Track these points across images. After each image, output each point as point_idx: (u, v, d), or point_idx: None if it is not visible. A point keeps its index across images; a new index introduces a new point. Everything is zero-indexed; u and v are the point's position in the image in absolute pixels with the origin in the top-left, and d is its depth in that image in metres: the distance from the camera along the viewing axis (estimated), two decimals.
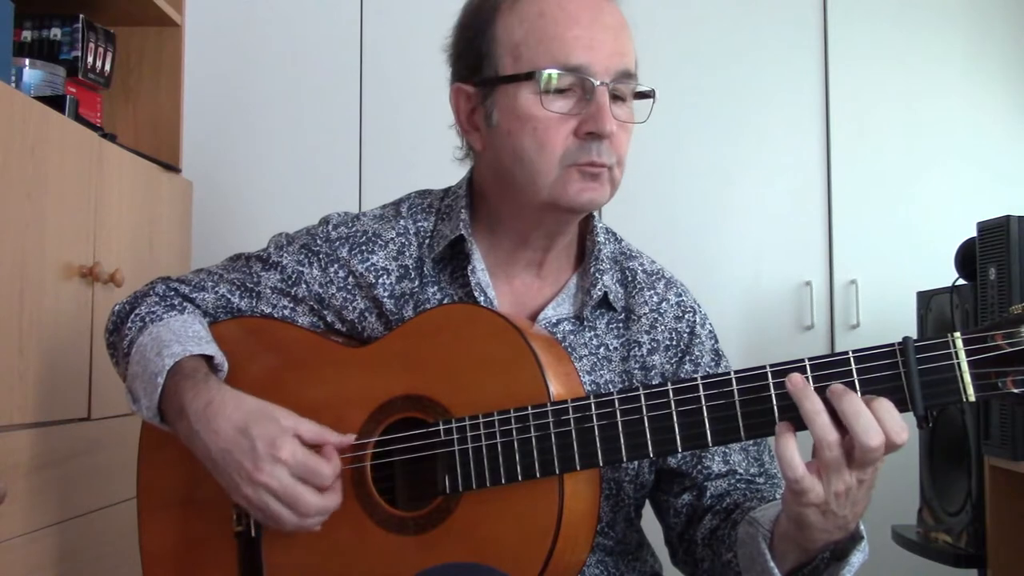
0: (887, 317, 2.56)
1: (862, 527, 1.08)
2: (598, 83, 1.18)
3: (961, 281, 2.07)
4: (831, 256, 2.70)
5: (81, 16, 2.16)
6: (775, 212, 2.71)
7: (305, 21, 2.79)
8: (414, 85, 2.69)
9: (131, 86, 2.55)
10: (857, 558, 1.08)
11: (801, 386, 1.00)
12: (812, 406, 1.00)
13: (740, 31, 2.75)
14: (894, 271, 2.63)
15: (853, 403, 0.98)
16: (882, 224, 2.68)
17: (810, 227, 2.71)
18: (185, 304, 1.33)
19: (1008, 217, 1.92)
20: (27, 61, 2.00)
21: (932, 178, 2.69)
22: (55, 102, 1.94)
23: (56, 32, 2.15)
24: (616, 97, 1.20)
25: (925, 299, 2.26)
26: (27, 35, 2.14)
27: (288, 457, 1.14)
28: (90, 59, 2.19)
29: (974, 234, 2.02)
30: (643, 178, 2.69)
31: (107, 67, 2.26)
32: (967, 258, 2.04)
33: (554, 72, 1.17)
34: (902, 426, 0.98)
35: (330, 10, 2.78)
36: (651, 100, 1.24)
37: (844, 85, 2.72)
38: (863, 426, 0.97)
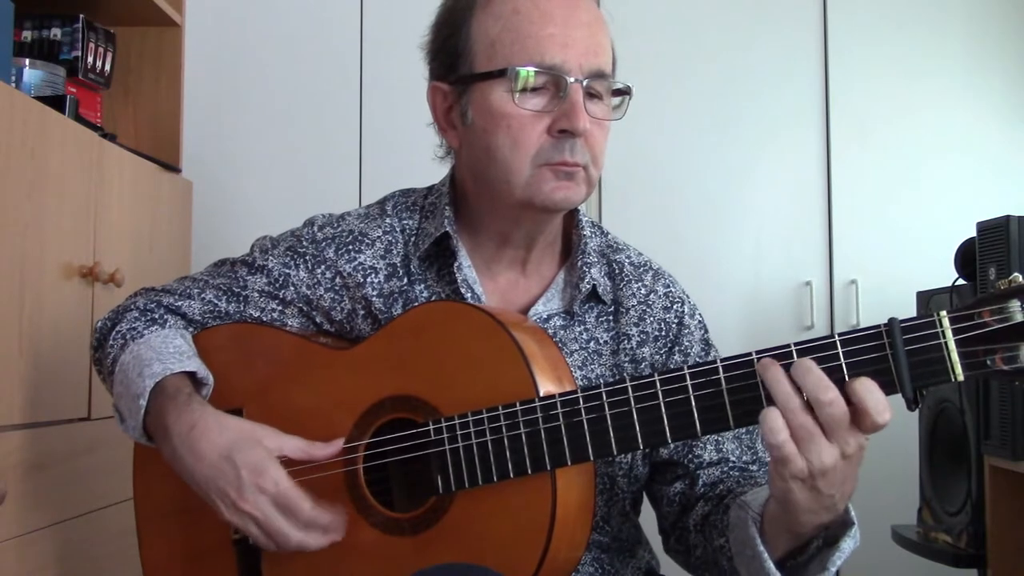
0: (887, 317, 2.54)
1: (852, 513, 1.07)
2: (572, 80, 1.17)
3: (961, 281, 2.07)
4: (831, 256, 2.70)
5: (81, 16, 2.17)
6: (775, 212, 2.71)
7: (305, 21, 2.79)
8: (414, 85, 2.67)
9: (131, 86, 2.55)
10: (848, 544, 1.07)
11: (767, 363, 1.01)
12: (774, 375, 1.00)
13: (740, 31, 2.75)
14: (894, 271, 2.63)
15: (803, 364, 0.98)
16: (882, 224, 2.68)
17: (810, 227, 2.71)
18: (167, 316, 1.32)
19: (1008, 217, 1.92)
20: (27, 61, 2.00)
21: (932, 178, 2.69)
22: (55, 102, 1.94)
23: (56, 32, 2.15)
24: (591, 94, 1.20)
25: (925, 299, 2.26)
26: (27, 35, 2.14)
27: (271, 487, 1.13)
28: (90, 59, 2.19)
29: (974, 234, 2.02)
30: (643, 178, 2.69)
31: (107, 67, 2.26)
32: (967, 258, 2.04)
33: (528, 70, 1.17)
34: (885, 405, 0.97)
35: (330, 10, 2.78)
36: (628, 97, 1.24)
37: (844, 85, 2.72)
38: (813, 383, 0.97)
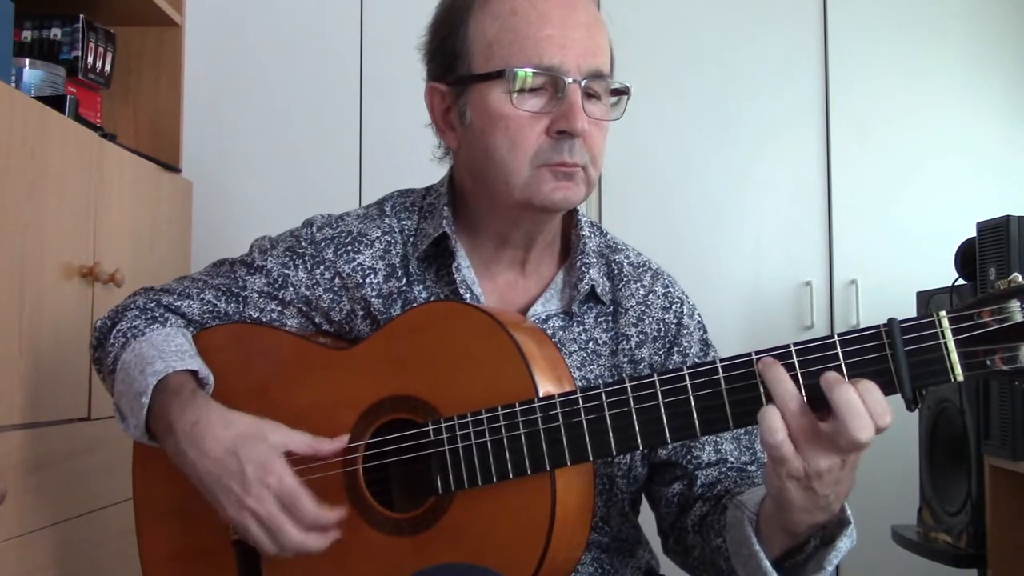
0: (887, 317, 2.55)
1: (848, 511, 1.07)
2: (570, 81, 1.17)
3: (961, 281, 2.07)
4: (831, 256, 2.70)
5: (81, 16, 2.17)
6: (775, 212, 2.71)
7: (305, 21, 2.78)
8: (414, 85, 2.68)
9: (131, 86, 2.55)
10: (844, 543, 1.07)
11: (768, 362, 1.00)
12: (775, 375, 0.99)
13: (740, 31, 2.75)
14: (894, 271, 2.63)
15: (847, 393, 0.96)
16: (882, 224, 2.68)
17: (810, 227, 2.71)
18: (167, 315, 1.32)
19: (1008, 217, 1.92)
20: (27, 61, 2.00)
21: (932, 178, 2.69)
22: (55, 102, 1.94)
23: (56, 32, 2.15)
24: (589, 95, 1.20)
25: (925, 299, 2.26)
26: (27, 35, 2.14)
27: (275, 483, 1.13)
28: (90, 59, 2.19)
29: (974, 234, 2.02)
30: (643, 178, 2.69)
31: (107, 67, 2.26)
32: (967, 258, 2.04)
33: (526, 71, 1.17)
34: (885, 408, 0.97)
35: (330, 10, 2.78)
36: (626, 97, 1.23)
37: (844, 85, 2.72)
38: (857, 424, 0.95)
